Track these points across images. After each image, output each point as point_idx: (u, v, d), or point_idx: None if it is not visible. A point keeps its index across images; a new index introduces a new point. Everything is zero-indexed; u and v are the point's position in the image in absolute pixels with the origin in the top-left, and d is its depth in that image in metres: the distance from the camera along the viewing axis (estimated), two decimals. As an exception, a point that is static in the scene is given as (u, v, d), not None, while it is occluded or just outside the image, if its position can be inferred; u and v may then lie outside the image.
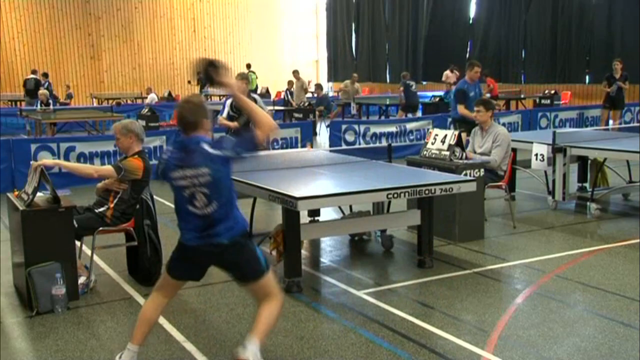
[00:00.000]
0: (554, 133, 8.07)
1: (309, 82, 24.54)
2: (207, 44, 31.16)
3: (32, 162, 5.36)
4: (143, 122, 13.14)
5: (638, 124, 14.39)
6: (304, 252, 6.32)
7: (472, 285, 5.51)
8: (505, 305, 5.05)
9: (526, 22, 22.29)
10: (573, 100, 20.52)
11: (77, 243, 5.50)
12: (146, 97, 22.64)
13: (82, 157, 10.38)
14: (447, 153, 6.81)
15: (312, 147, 9.14)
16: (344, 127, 13.02)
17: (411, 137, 13.22)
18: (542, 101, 18.46)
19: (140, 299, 5.30)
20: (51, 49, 27.94)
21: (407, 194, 5.53)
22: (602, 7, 20.14)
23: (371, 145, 12.40)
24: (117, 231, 5.65)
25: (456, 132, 7.08)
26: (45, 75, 22.22)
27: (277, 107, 17.92)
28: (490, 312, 4.89)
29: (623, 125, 13.92)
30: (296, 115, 16.65)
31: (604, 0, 20.04)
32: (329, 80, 31.81)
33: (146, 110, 15.72)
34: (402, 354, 4.20)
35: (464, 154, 6.87)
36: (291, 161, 7.12)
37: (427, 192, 5.56)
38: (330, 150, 9.63)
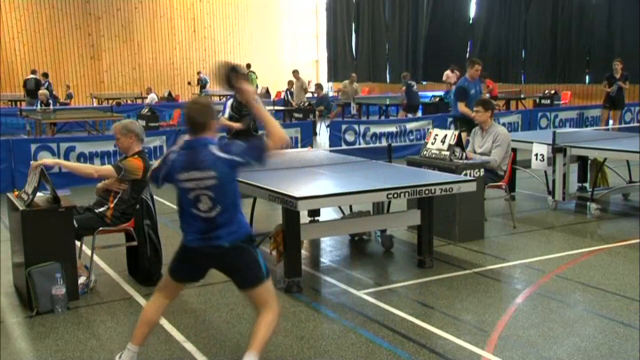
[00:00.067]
0: (554, 133, 8.07)
1: (309, 82, 24.55)
2: (207, 44, 31.17)
3: (32, 162, 5.36)
4: (143, 122, 13.15)
5: (638, 124, 14.39)
6: (304, 252, 6.32)
7: (472, 285, 5.51)
8: (505, 305, 5.05)
9: (526, 22, 22.29)
10: (573, 100, 20.53)
11: (77, 243, 5.50)
12: (146, 97, 22.64)
13: (82, 157, 10.37)
14: (447, 153, 6.81)
15: (312, 147, 9.14)
16: (344, 127, 13.02)
17: (411, 137, 13.22)
18: (542, 101, 18.47)
19: (140, 299, 5.30)
20: (51, 49, 27.94)
21: (407, 194, 5.53)
22: (602, 7, 20.14)
23: (371, 145, 12.40)
24: (117, 231, 5.65)
25: (456, 132, 7.08)
26: (45, 75, 22.23)
27: (277, 107, 17.93)
28: (490, 312, 4.89)
29: (623, 125, 13.93)
30: (296, 115, 16.66)
31: (604, 0, 20.05)
32: (329, 80, 31.82)
33: (146, 110, 15.73)
34: (402, 354, 4.20)
35: (464, 154, 6.87)
36: (291, 161, 7.12)
37: (427, 192, 5.56)
38: (330, 150, 9.63)
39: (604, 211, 8.07)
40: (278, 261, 5.58)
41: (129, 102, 24.33)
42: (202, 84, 27.31)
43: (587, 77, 20.94)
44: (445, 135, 6.99)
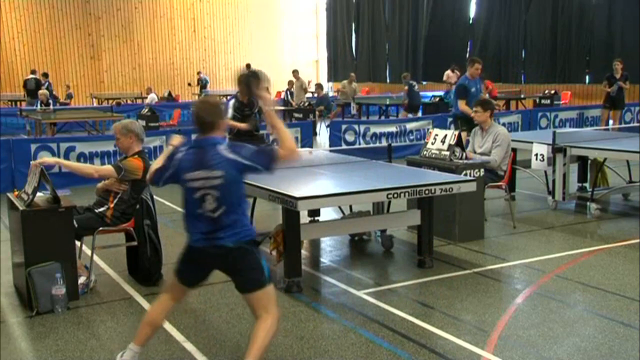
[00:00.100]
0: (554, 133, 8.07)
1: (309, 82, 24.55)
2: (207, 44, 31.17)
3: (32, 162, 5.36)
4: (143, 122, 13.15)
5: (638, 124, 14.39)
6: (304, 252, 6.32)
7: (472, 285, 5.51)
8: (505, 305, 5.05)
9: (526, 22, 22.29)
10: (573, 100, 20.52)
11: (77, 243, 5.50)
12: (146, 97, 22.65)
13: (82, 157, 10.37)
14: (447, 153, 6.81)
15: (311, 153, 9.15)
16: (344, 127, 13.02)
17: (411, 137, 13.22)
18: (542, 101, 18.47)
19: (140, 299, 5.31)
20: (51, 49, 27.94)
21: (407, 194, 5.53)
22: (602, 7, 20.14)
23: (371, 145, 12.40)
24: (117, 231, 5.65)
25: (456, 132, 7.08)
26: (45, 75, 22.24)
27: (277, 107, 17.90)
28: (490, 312, 4.89)
29: (623, 125, 13.93)
30: (296, 115, 16.65)
31: (604, 0, 20.05)
32: (329, 80, 31.82)
33: (146, 110, 15.74)
34: (402, 354, 4.20)
35: (464, 154, 6.87)
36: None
37: (427, 192, 5.56)
38: (330, 150, 9.63)
39: (604, 211, 8.07)
40: (278, 261, 5.58)
41: (129, 102, 24.33)
42: (202, 84, 27.31)
43: (587, 77, 20.95)
44: (445, 135, 6.99)
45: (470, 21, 24.73)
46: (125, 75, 29.53)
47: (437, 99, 18.06)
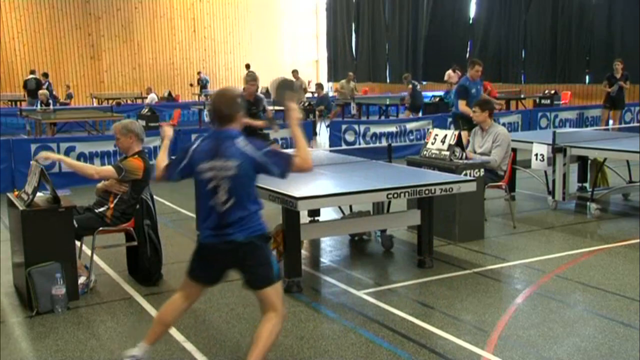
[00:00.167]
0: (554, 133, 8.07)
1: (309, 82, 24.55)
2: (207, 44, 31.17)
3: (32, 162, 5.36)
4: (143, 122, 13.14)
5: (638, 124, 14.39)
6: (304, 252, 6.32)
7: (472, 285, 5.51)
8: (505, 305, 5.05)
9: (526, 22, 22.29)
10: (573, 100, 20.52)
11: (77, 243, 5.50)
12: (146, 97, 22.65)
13: (82, 157, 10.37)
14: (447, 153, 6.81)
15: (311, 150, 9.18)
16: (344, 127, 13.03)
17: (411, 137, 13.22)
18: (542, 101, 18.46)
19: (140, 299, 5.31)
20: (51, 49, 27.94)
21: (407, 194, 5.53)
22: (602, 7, 20.14)
23: (371, 145, 12.40)
24: (117, 231, 5.65)
25: (456, 132, 7.09)
26: (46, 75, 22.25)
27: (277, 107, 17.91)
28: (490, 312, 4.89)
29: (623, 125, 13.93)
30: (296, 115, 16.61)
31: (604, 0, 20.05)
32: (329, 80, 31.83)
33: (146, 110, 15.73)
34: (402, 354, 4.20)
35: (464, 154, 6.87)
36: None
37: (427, 192, 5.56)
38: (330, 150, 9.63)
39: (604, 211, 8.07)
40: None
41: (129, 102, 24.33)
42: (202, 84, 27.31)
43: (587, 77, 20.94)
44: (445, 135, 6.99)
45: (470, 21, 24.73)
46: (125, 75, 29.53)
47: (437, 99, 18.05)
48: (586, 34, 20.54)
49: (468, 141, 7.88)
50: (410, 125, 13.36)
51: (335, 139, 12.77)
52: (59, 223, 5.09)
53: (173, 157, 3.90)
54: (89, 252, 5.66)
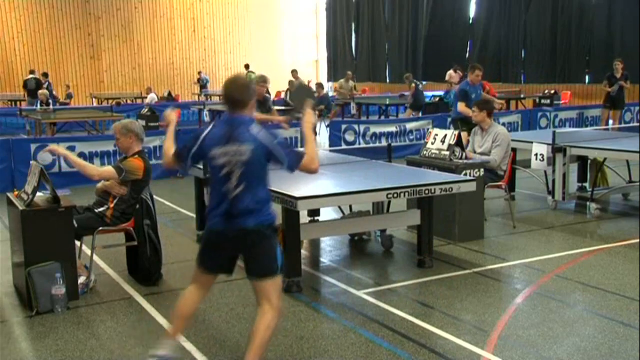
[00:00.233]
0: (554, 133, 8.07)
1: (309, 82, 24.52)
2: (207, 44, 31.16)
3: (32, 162, 5.37)
4: (143, 122, 13.13)
5: (638, 124, 14.39)
6: (304, 252, 6.32)
7: (472, 285, 5.51)
8: (505, 305, 5.05)
9: (526, 22, 22.29)
10: (573, 100, 20.53)
11: (77, 243, 5.50)
12: (146, 97, 22.64)
13: (82, 157, 10.15)
14: (447, 153, 6.81)
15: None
16: (344, 127, 13.03)
17: (411, 137, 13.22)
18: (542, 101, 18.44)
19: (140, 299, 5.31)
20: (51, 49, 27.93)
21: (407, 194, 5.53)
22: (602, 7, 20.14)
23: (371, 145, 12.40)
24: (117, 231, 5.65)
25: (456, 132, 7.09)
26: (46, 75, 22.24)
27: (277, 107, 17.89)
28: (490, 312, 4.89)
29: (623, 125, 13.93)
30: (296, 115, 16.61)
31: (604, 0, 20.05)
32: (329, 80, 31.80)
33: (146, 110, 15.71)
34: (402, 354, 4.20)
35: (464, 154, 6.87)
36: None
37: (427, 192, 5.56)
38: (330, 150, 9.63)
39: (604, 211, 8.07)
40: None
41: (129, 102, 24.32)
42: (202, 84, 27.30)
43: (587, 77, 20.94)
44: (445, 135, 6.99)
45: (470, 21, 24.72)
46: (125, 75, 29.52)
47: (437, 99, 18.04)
48: (586, 34, 20.54)
49: (468, 141, 7.88)
50: (410, 125, 13.36)
51: (335, 139, 12.77)
52: (59, 223, 5.10)
53: (182, 145, 3.88)
54: (89, 252, 5.66)
